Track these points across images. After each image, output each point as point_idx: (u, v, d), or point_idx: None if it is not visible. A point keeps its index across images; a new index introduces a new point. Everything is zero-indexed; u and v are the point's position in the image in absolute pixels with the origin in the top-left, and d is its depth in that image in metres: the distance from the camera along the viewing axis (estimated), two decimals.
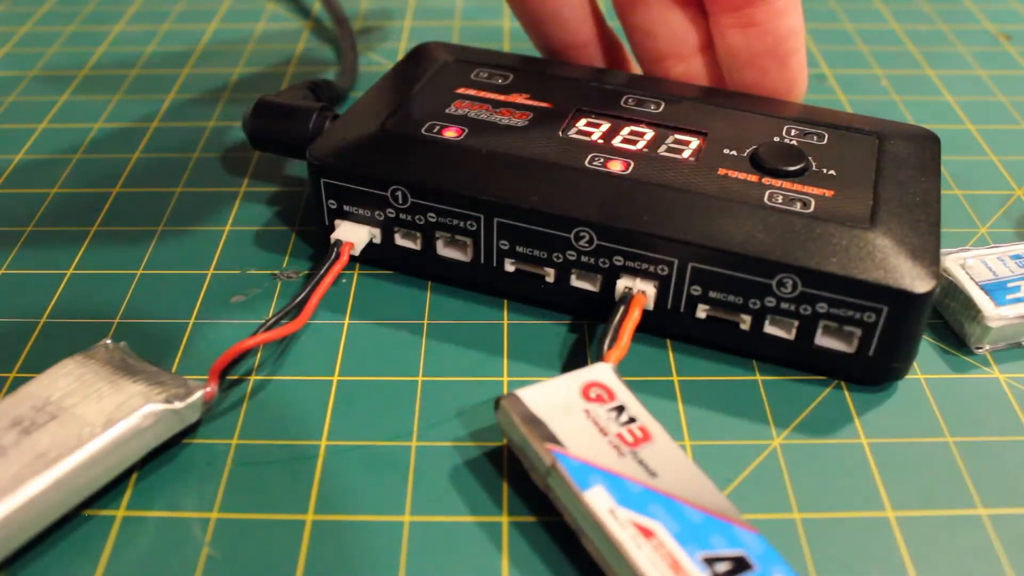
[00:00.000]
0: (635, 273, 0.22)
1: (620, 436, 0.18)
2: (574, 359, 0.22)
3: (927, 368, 0.22)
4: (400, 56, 0.36)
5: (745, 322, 0.21)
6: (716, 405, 0.21)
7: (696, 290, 0.21)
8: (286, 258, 0.25)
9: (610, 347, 0.21)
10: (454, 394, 0.21)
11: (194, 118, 0.32)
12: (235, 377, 0.22)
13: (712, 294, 0.21)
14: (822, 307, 0.20)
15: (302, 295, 0.22)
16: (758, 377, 0.22)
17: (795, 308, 0.21)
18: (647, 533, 0.16)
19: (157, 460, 0.20)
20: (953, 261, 0.23)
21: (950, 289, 0.23)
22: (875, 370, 0.21)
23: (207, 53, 0.37)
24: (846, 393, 0.21)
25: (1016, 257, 0.23)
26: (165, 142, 0.31)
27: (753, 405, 0.21)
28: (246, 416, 0.21)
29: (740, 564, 0.16)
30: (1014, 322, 0.22)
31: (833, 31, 0.38)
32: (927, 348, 0.23)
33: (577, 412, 0.19)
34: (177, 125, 0.32)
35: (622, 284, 0.22)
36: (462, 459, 0.20)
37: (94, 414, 0.18)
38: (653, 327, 0.22)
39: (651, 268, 0.21)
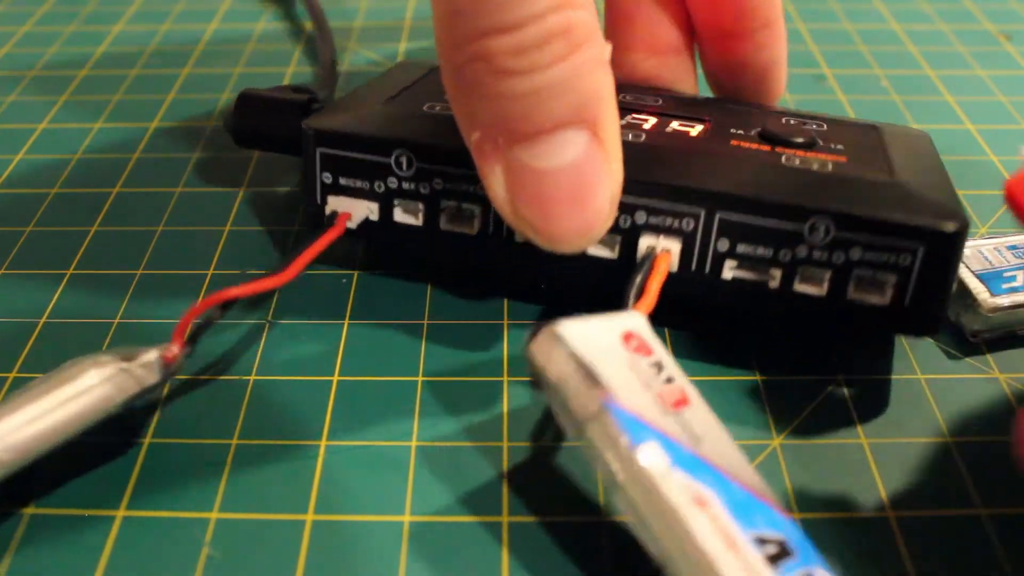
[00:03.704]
0: (658, 230, 0.21)
1: (661, 395, 0.17)
2: None
3: (927, 368, 0.22)
4: (400, 56, 0.36)
5: (775, 278, 0.21)
6: (716, 405, 0.21)
7: (723, 244, 0.21)
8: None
9: (637, 299, 0.19)
10: (454, 394, 0.21)
11: (194, 118, 0.32)
12: (234, 377, 0.22)
13: (740, 248, 0.20)
14: (856, 253, 0.20)
15: (290, 255, 0.21)
16: (758, 377, 0.22)
17: (828, 257, 0.20)
18: (700, 502, 0.15)
19: (157, 460, 0.20)
20: None
21: None
22: (911, 321, 0.20)
23: (207, 53, 0.37)
24: (846, 393, 0.21)
25: (1012, 248, 0.24)
26: (165, 142, 0.31)
27: (753, 405, 0.21)
28: (246, 416, 0.21)
29: (782, 549, 0.15)
30: (1009, 311, 0.22)
31: (833, 31, 0.38)
32: (927, 348, 0.23)
33: (621, 360, 0.17)
34: (177, 125, 0.32)
35: (644, 243, 0.21)
36: (462, 459, 0.20)
37: (44, 377, 0.18)
38: (675, 293, 0.21)
39: (675, 223, 0.21)
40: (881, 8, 0.40)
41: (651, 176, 0.21)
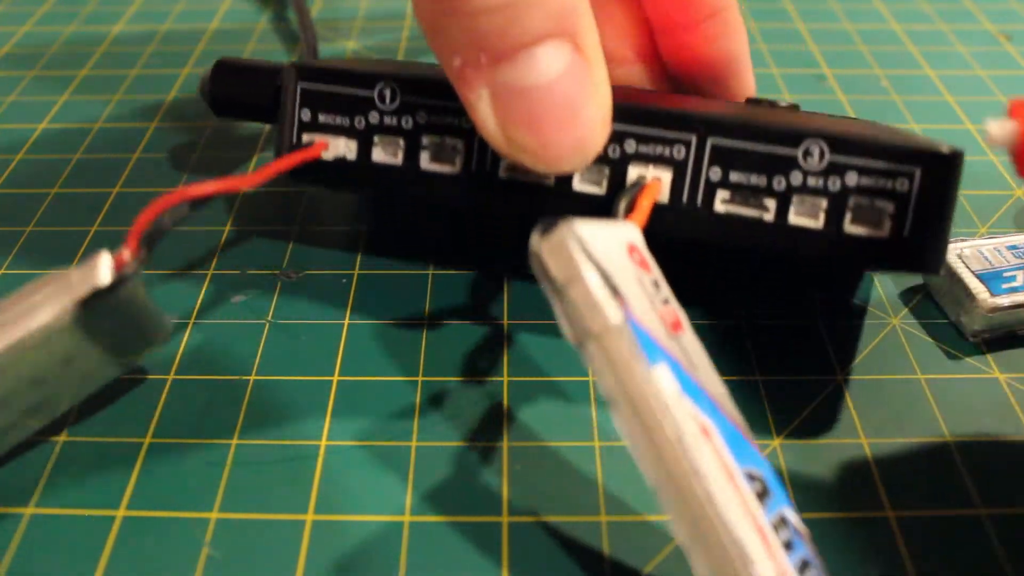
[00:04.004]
0: (648, 159, 0.20)
1: (662, 316, 0.16)
2: (576, 361, 0.22)
3: (927, 368, 0.22)
4: (401, 51, 0.36)
5: (769, 210, 0.20)
6: None
7: (715, 173, 0.20)
8: (286, 258, 0.25)
9: (629, 211, 0.19)
10: (453, 394, 0.21)
11: (194, 118, 0.32)
12: (234, 377, 0.22)
13: (733, 176, 0.20)
14: (851, 178, 0.19)
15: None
16: (758, 377, 0.22)
17: (823, 183, 0.20)
18: (705, 432, 0.14)
19: (157, 460, 0.20)
20: (950, 251, 0.23)
21: (948, 278, 0.23)
22: (911, 255, 0.20)
23: (207, 53, 0.37)
24: (846, 393, 0.21)
25: (1012, 248, 0.24)
26: (165, 142, 0.31)
27: (753, 405, 0.21)
28: (246, 416, 0.21)
29: (764, 488, 0.15)
30: (1009, 311, 0.22)
31: (833, 31, 0.38)
32: (927, 348, 0.23)
33: (630, 273, 0.16)
34: (177, 125, 0.32)
35: (634, 173, 0.20)
36: (462, 459, 0.20)
37: None
38: (666, 232, 0.20)
39: (666, 151, 0.20)
40: (881, 8, 0.40)
41: (640, 102, 0.20)
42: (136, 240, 0.18)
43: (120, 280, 0.18)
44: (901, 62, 0.36)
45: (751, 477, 0.15)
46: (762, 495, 0.15)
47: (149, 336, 0.20)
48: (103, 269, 0.18)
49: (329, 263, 0.25)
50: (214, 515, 0.19)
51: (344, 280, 0.25)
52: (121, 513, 0.19)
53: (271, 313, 0.23)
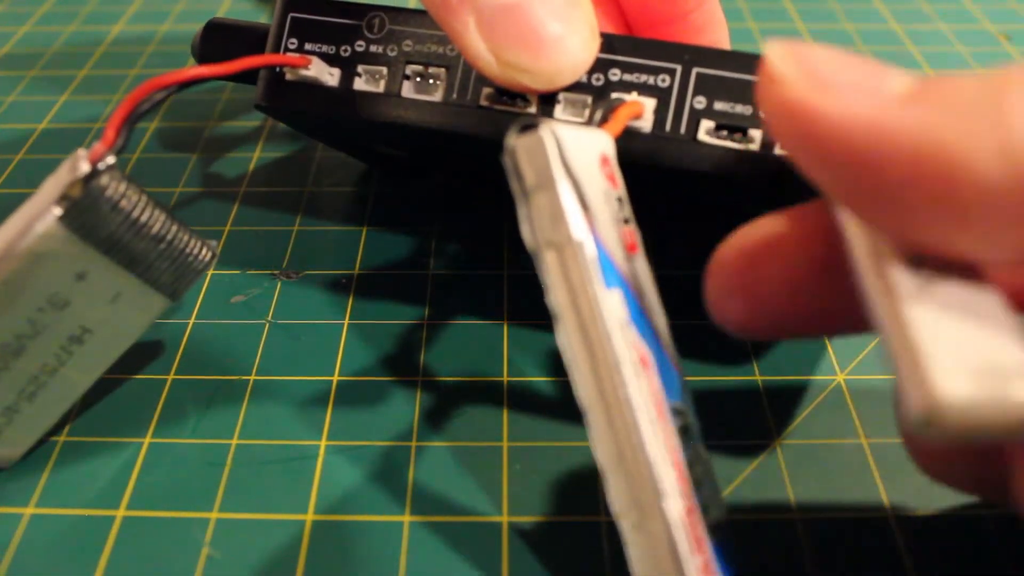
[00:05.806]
0: (631, 88, 0.20)
1: (621, 235, 0.15)
2: None
3: None
4: None
5: (754, 140, 0.19)
6: (716, 405, 0.21)
7: (700, 102, 0.20)
8: (286, 258, 0.25)
9: (604, 121, 0.18)
10: (454, 394, 0.21)
11: (194, 118, 0.32)
12: (234, 377, 0.22)
13: (718, 105, 0.20)
14: None
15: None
16: (758, 377, 0.22)
17: None
18: (644, 363, 0.14)
19: (157, 461, 0.20)
20: None
21: None
22: None
23: None
24: (846, 393, 0.21)
25: None
26: (165, 142, 0.31)
27: (753, 405, 0.21)
28: (246, 416, 0.21)
29: (686, 423, 0.15)
30: None
31: (833, 31, 0.38)
32: None
33: (599, 186, 0.15)
34: (177, 125, 0.32)
35: (615, 98, 0.20)
36: (462, 459, 0.20)
37: None
38: (649, 163, 0.20)
39: (650, 79, 0.20)
40: (881, 8, 0.40)
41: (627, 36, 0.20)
42: (114, 131, 0.17)
43: (96, 170, 0.17)
44: (901, 62, 0.36)
45: (677, 412, 0.15)
46: (683, 430, 0.15)
47: (173, 253, 0.18)
48: (79, 160, 0.17)
49: (329, 263, 0.25)
50: (214, 515, 0.19)
51: (344, 280, 0.25)
52: (121, 513, 0.19)
53: (271, 313, 0.24)
